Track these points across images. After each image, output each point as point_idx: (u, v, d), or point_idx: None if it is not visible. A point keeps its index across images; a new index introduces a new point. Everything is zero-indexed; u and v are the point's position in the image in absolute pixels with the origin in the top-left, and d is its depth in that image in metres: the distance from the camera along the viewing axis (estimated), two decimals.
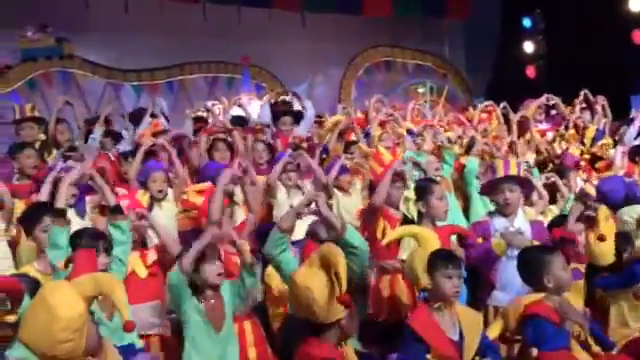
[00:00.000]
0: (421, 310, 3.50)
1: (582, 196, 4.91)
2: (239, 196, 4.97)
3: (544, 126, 8.25)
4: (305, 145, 6.44)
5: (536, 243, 4.26)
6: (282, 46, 12.37)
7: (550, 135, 7.69)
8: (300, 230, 4.25)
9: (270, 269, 4.23)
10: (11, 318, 2.94)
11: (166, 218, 4.94)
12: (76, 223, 4.38)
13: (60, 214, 3.87)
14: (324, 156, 6.37)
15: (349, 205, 5.35)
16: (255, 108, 7.94)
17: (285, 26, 12.17)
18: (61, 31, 11.49)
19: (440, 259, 3.50)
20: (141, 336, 3.97)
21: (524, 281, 3.77)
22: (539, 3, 12.76)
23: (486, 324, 3.80)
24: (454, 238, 4.48)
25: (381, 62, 14.19)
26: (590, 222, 4.13)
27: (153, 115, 7.16)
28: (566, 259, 4.12)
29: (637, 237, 4.24)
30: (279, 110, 7.18)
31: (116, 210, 4.02)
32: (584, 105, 8.55)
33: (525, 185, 4.80)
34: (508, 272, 4.20)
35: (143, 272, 4.19)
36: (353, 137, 6.75)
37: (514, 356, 3.80)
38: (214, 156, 6.03)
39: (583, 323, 3.52)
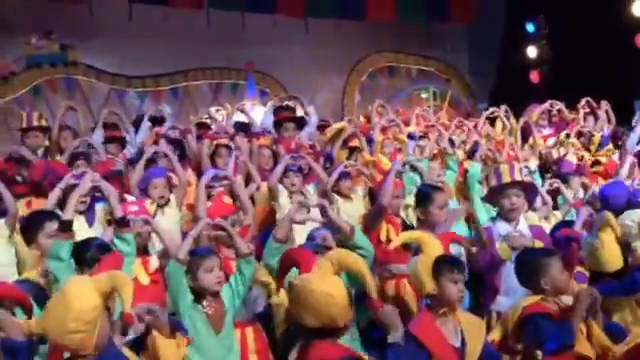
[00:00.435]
0: (423, 316, 3.49)
1: (592, 201, 4.92)
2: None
3: (547, 131, 8.24)
4: (308, 152, 6.43)
5: (538, 244, 4.25)
6: (285, 52, 12.42)
7: (551, 141, 7.68)
8: (301, 236, 4.26)
9: None
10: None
11: (169, 224, 4.92)
12: (84, 230, 4.39)
13: (66, 226, 3.82)
14: (327, 165, 6.37)
15: (350, 210, 5.34)
16: (259, 114, 7.95)
17: (288, 32, 12.21)
18: (65, 38, 11.58)
19: (446, 264, 3.49)
20: None
21: (521, 284, 3.76)
22: (542, 8, 12.76)
23: (490, 329, 3.79)
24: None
25: (384, 67, 14.24)
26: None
27: (153, 119, 7.18)
28: (571, 262, 4.14)
29: (636, 241, 4.23)
30: (282, 116, 7.19)
31: (122, 222, 4.03)
32: (587, 110, 8.54)
33: (530, 191, 4.80)
34: (512, 277, 4.17)
35: (145, 279, 4.19)
36: (356, 143, 6.75)
37: None
38: (216, 162, 6.04)
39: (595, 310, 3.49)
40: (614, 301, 4.09)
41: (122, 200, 4.61)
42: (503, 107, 8.16)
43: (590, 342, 3.45)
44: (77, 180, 4.33)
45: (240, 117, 7.81)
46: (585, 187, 6.23)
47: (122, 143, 6.79)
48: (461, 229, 4.88)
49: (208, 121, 7.83)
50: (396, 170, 4.81)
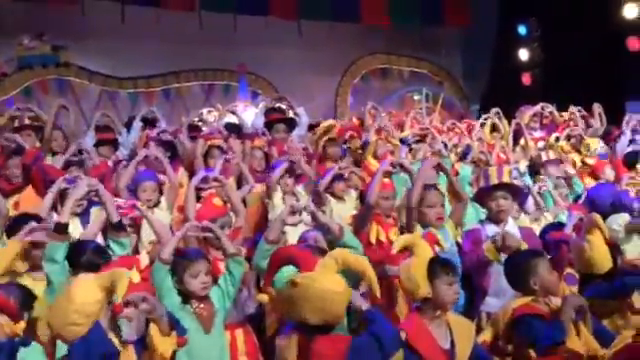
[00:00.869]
0: (413, 317, 3.50)
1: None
2: None
3: (538, 134, 8.27)
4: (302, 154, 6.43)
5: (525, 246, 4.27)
6: (278, 53, 12.40)
7: (541, 144, 7.71)
8: (293, 238, 4.26)
9: None
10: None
11: None
12: (79, 233, 4.35)
13: (62, 229, 3.78)
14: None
15: (342, 212, 5.35)
16: (250, 115, 7.94)
17: (281, 34, 12.20)
18: (57, 39, 11.54)
19: (440, 266, 3.50)
20: None
21: (511, 285, 3.78)
22: (534, 11, 12.80)
23: (479, 330, 3.80)
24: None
25: (377, 69, 14.23)
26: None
27: (145, 120, 7.17)
28: (561, 264, 4.16)
29: (624, 244, 4.25)
30: (272, 117, 7.19)
31: (118, 226, 4.02)
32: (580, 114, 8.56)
33: (518, 193, 4.81)
34: (501, 278, 4.19)
35: (136, 277, 4.16)
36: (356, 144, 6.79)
37: None
38: (209, 163, 6.03)
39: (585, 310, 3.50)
40: (604, 304, 4.11)
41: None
42: (494, 110, 8.20)
43: None
44: (69, 184, 4.32)
45: (231, 118, 7.80)
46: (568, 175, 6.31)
47: (114, 145, 6.78)
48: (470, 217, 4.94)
49: (200, 124, 7.81)
50: (384, 170, 4.78)
